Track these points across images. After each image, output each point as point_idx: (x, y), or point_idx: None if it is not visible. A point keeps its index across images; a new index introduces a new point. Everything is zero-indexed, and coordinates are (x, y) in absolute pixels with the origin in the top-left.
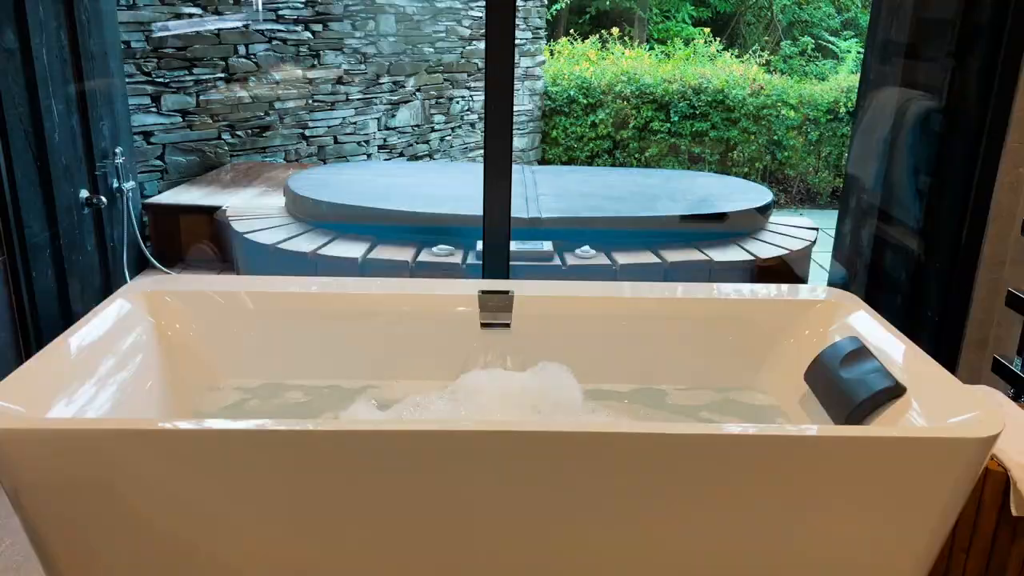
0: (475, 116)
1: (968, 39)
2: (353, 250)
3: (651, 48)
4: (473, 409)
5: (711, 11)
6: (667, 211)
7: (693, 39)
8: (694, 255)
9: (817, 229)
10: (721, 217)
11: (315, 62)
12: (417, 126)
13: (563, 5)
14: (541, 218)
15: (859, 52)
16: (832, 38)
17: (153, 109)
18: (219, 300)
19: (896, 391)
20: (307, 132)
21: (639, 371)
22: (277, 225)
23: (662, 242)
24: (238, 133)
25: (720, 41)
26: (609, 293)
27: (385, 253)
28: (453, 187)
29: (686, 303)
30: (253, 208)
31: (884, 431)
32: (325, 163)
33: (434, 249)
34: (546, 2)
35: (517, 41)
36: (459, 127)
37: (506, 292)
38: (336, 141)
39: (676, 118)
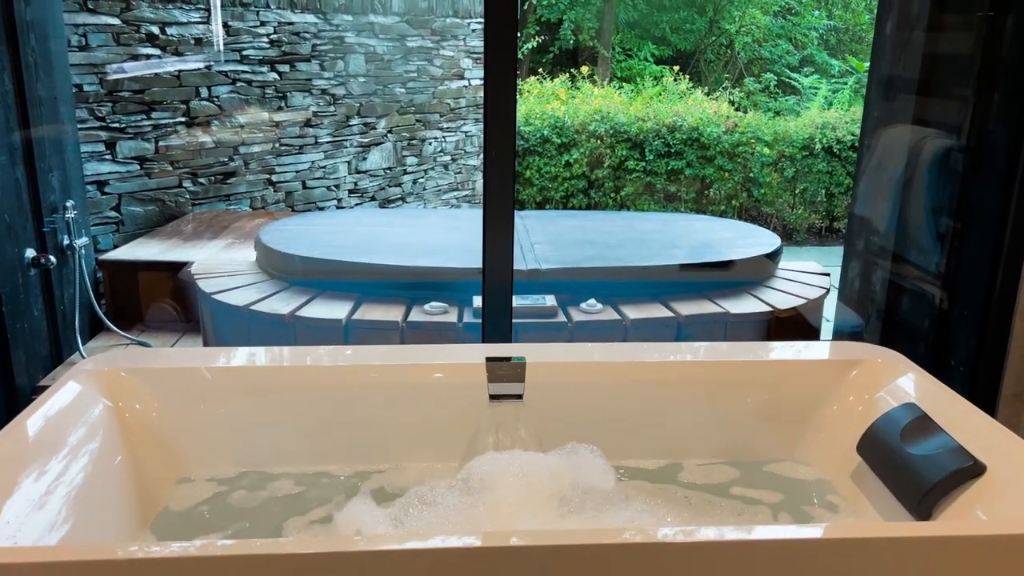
0: (448, 157)
1: (990, 75)
2: (336, 310)
3: (620, 87)
4: (491, 503)
5: (672, 49)
6: (672, 258)
7: (662, 76)
8: (707, 307)
9: (828, 275)
10: (728, 265)
11: (282, 104)
12: (389, 169)
13: (534, 44)
14: (540, 270)
15: (831, 90)
16: (793, 74)
17: (108, 157)
18: (186, 376)
19: (975, 470)
20: (274, 178)
21: (666, 444)
22: (249, 283)
23: (670, 292)
24: (200, 180)
25: (687, 79)
26: (629, 357)
27: (372, 313)
28: (439, 236)
29: (713, 367)
30: (221, 264)
31: (996, 528)
32: (293, 210)
33: (426, 307)
34: (518, 40)
35: None
36: (432, 169)
37: (517, 359)
38: (304, 186)
39: (651, 157)
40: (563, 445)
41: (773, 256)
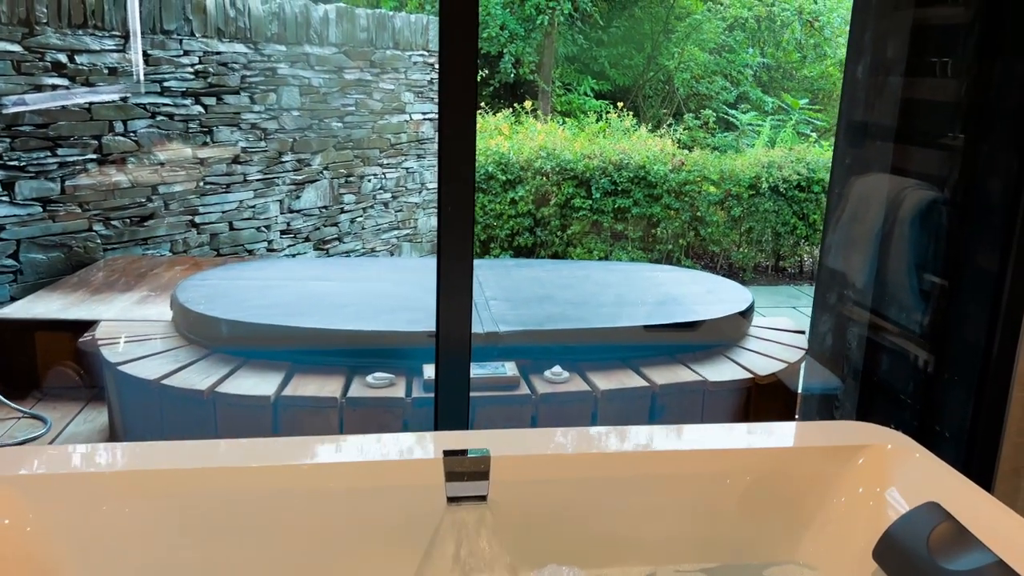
0: (388, 195)
1: (978, 124)
2: (264, 384)
3: (563, 123)
4: None
5: (611, 84)
6: (640, 317)
7: (605, 112)
8: (683, 373)
9: (804, 332)
10: (700, 325)
11: (207, 139)
12: (325, 207)
13: (493, 82)
14: (499, 333)
15: (773, 128)
16: (731, 111)
17: (5, 198)
18: (76, 483)
19: None
20: (197, 219)
21: (652, 547)
22: (162, 351)
23: (639, 355)
24: (114, 223)
25: (631, 115)
26: (606, 446)
27: (306, 386)
28: (384, 290)
29: (702, 457)
30: (131, 327)
31: None
32: (219, 253)
33: (370, 378)
34: None
35: (433, 116)
36: (371, 207)
37: (479, 452)
38: (232, 228)
39: (598, 195)
40: (538, 566)
41: (746, 314)
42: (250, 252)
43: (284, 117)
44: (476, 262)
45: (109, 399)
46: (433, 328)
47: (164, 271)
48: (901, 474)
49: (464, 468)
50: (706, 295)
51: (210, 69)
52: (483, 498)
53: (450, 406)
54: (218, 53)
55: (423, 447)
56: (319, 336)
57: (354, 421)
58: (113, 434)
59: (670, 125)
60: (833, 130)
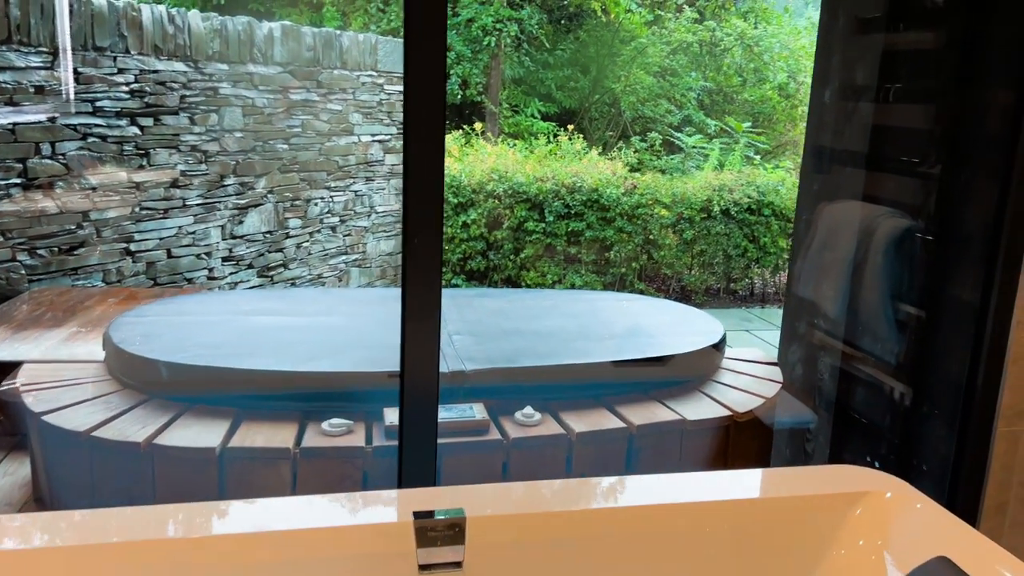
0: (335, 219)
1: (956, 151)
2: (207, 434)
3: (513, 145)
4: None
5: (557, 106)
6: (612, 351)
7: (556, 135)
8: (660, 412)
9: (777, 364)
10: (673, 359)
11: (144, 162)
12: (269, 232)
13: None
14: (466, 371)
15: (722, 149)
16: (677, 134)
17: None
18: None
19: None
20: (132, 247)
21: None
22: (93, 397)
23: (613, 393)
24: (40, 252)
25: (582, 138)
26: (590, 500)
27: (255, 435)
28: (338, 325)
29: (692, 511)
30: (57, 370)
31: None
32: (156, 282)
33: (325, 425)
34: None
35: (382, 138)
36: (318, 231)
37: (452, 512)
38: (170, 255)
39: (551, 218)
40: None
41: (719, 346)
42: (189, 281)
43: (226, 139)
44: None
45: (33, 452)
46: (393, 368)
47: (96, 304)
48: (903, 524)
49: (437, 532)
50: (677, 326)
51: (147, 88)
52: (458, 564)
53: (416, 456)
54: (155, 71)
55: (389, 508)
56: (268, 379)
57: (309, 474)
58: (36, 490)
59: (620, 148)
60: (775, 152)
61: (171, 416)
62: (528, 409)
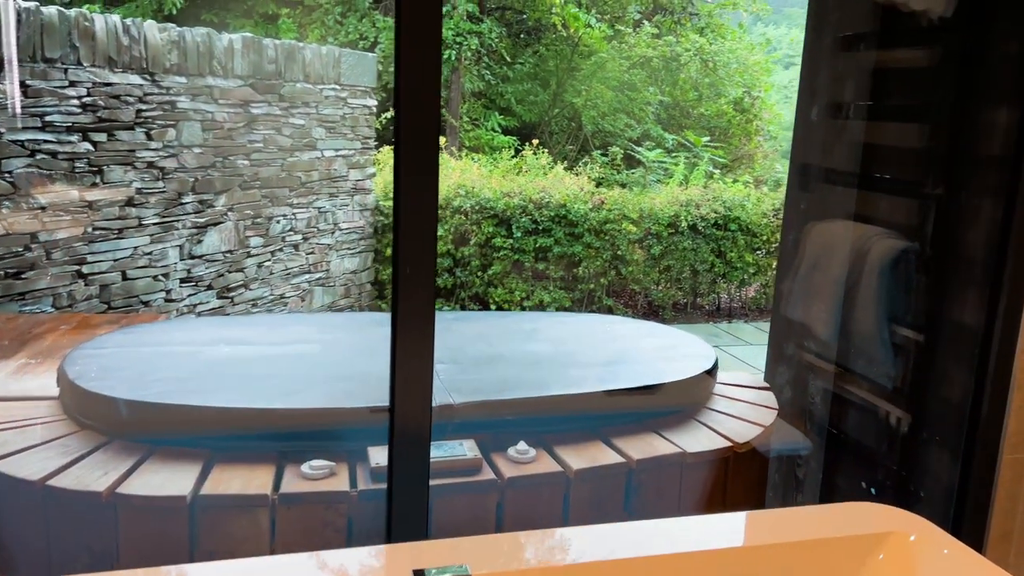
0: (298, 237)
1: (954, 171)
2: (176, 480)
3: (478, 160)
4: None
5: (517, 120)
6: (605, 379)
7: (520, 149)
8: (658, 444)
9: (769, 388)
10: (663, 388)
11: (97, 180)
12: (230, 252)
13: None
14: (454, 405)
15: (685, 163)
16: (638, 148)
17: None
18: None
19: None
20: (85, 269)
21: None
22: (47, 440)
23: (607, 424)
24: None
25: (545, 152)
26: (611, 551)
27: (229, 480)
28: (313, 355)
29: (707, 560)
30: (5, 409)
31: None
32: (110, 307)
33: (305, 467)
34: (375, 109)
35: (346, 153)
36: (280, 250)
37: (455, 570)
38: (125, 277)
39: (519, 234)
40: None
41: (712, 372)
42: (146, 304)
43: (184, 155)
44: None
45: None
46: (374, 402)
47: (46, 332)
48: (932, 570)
49: None
50: (668, 351)
51: (100, 102)
52: None
53: (407, 501)
54: (109, 84)
55: (384, 566)
56: (241, 417)
57: (289, 522)
58: None
59: (585, 163)
60: (732, 166)
61: (135, 460)
62: (522, 445)
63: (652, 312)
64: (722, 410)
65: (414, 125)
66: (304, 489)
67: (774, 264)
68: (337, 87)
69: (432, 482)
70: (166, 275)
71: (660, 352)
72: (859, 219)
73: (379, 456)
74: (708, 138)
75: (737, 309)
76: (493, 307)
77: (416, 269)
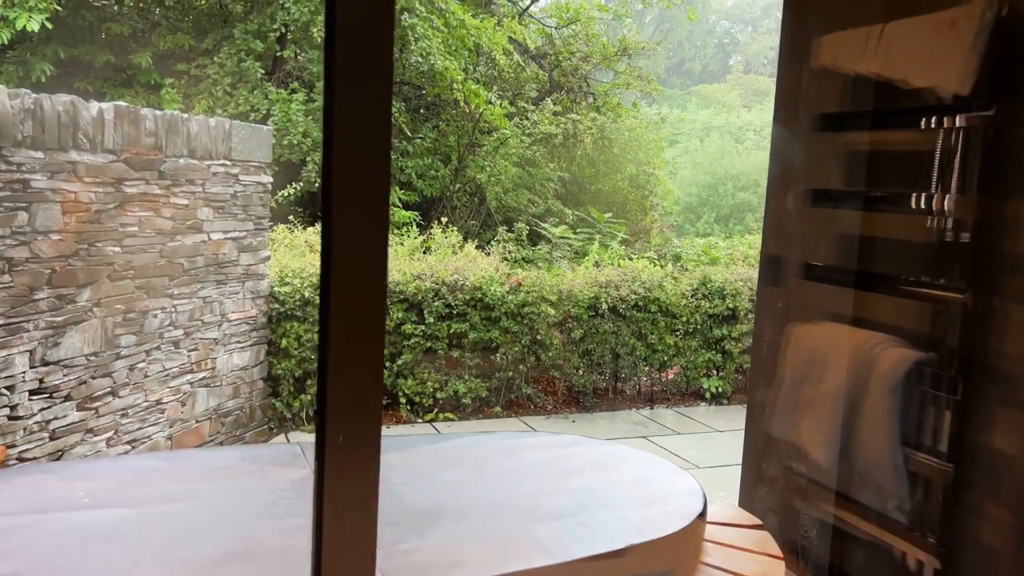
0: (179, 331)
1: (990, 272)
2: None
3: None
4: None
5: (418, 195)
6: (582, 537)
7: (423, 226)
8: None
9: (763, 526)
10: (656, 545)
11: None
12: (94, 354)
13: (294, 192)
14: None
15: (587, 238)
16: (543, 224)
17: None
18: None
19: None
20: None
21: None
22: None
23: None
24: None
25: (455, 231)
26: None
27: None
28: (194, 517)
29: None
30: None
31: None
32: None
33: None
34: (269, 186)
35: (236, 235)
36: (157, 348)
37: None
38: None
39: (431, 319)
40: None
41: (704, 515)
42: None
43: (39, 242)
44: (303, 441)
45: None
46: None
47: None
48: None
49: None
50: (645, 484)
51: None
52: None
53: None
54: None
55: None
56: None
57: None
58: None
59: (496, 240)
60: (633, 242)
61: None
62: None
63: (573, 399)
64: (719, 565)
65: (353, 180)
66: None
67: (693, 345)
68: (227, 162)
69: None
70: (11, 387)
71: (637, 486)
72: (857, 323)
73: None
74: (610, 214)
75: (658, 393)
76: (403, 400)
77: (354, 384)
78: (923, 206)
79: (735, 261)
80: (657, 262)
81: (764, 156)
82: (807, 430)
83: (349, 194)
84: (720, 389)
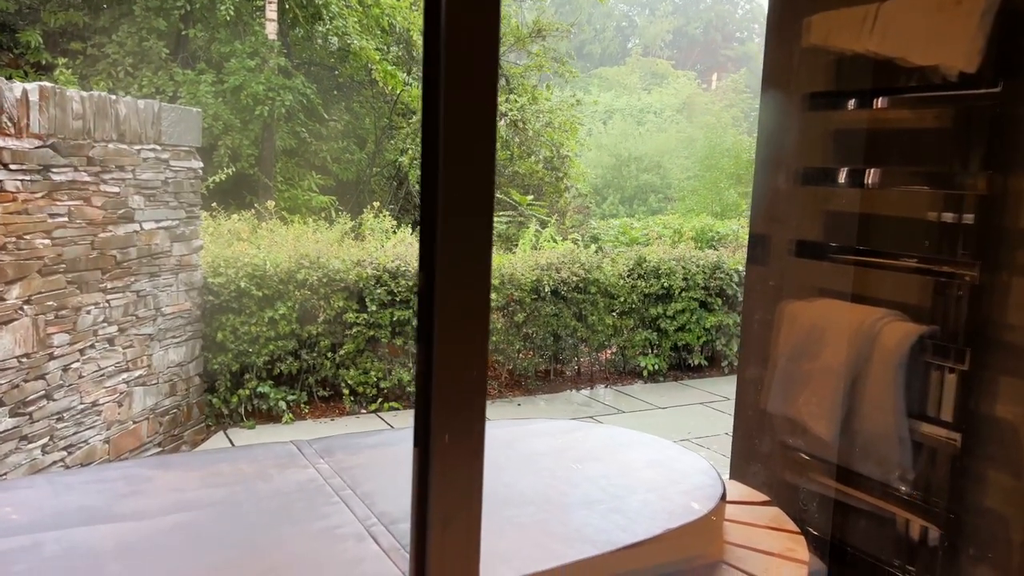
0: (113, 328)
1: (998, 247)
2: None
3: (305, 223)
4: None
5: (334, 179)
6: (610, 527)
7: (341, 210)
8: None
9: (771, 503)
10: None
11: None
12: (26, 356)
13: (222, 176)
14: None
15: (508, 221)
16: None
17: None
18: None
19: None
20: None
21: None
22: None
23: None
24: None
25: (388, 215)
26: None
27: None
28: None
29: None
30: None
31: None
32: None
33: None
34: (200, 172)
35: (168, 224)
36: (91, 347)
37: None
38: None
39: (373, 307)
40: None
41: (724, 496)
42: None
43: None
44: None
45: None
46: None
47: None
48: None
49: None
50: (659, 467)
51: None
52: None
53: None
54: None
55: None
56: None
57: None
58: None
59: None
60: (554, 222)
61: None
62: None
63: (515, 383)
64: (740, 543)
65: (461, 186)
66: None
67: (630, 324)
68: (157, 147)
69: None
70: None
71: (654, 470)
72: (856, 299)
73: None
74: (532, 197)
75: (597, 373)
76: (346, 391)
77: (459, 382)
78: (925, 183)
79: (652, 241)
80: (579, 243)
81: (664, 138)
82: (806, 405)
83: (455, 201)
84: (656, 367)
